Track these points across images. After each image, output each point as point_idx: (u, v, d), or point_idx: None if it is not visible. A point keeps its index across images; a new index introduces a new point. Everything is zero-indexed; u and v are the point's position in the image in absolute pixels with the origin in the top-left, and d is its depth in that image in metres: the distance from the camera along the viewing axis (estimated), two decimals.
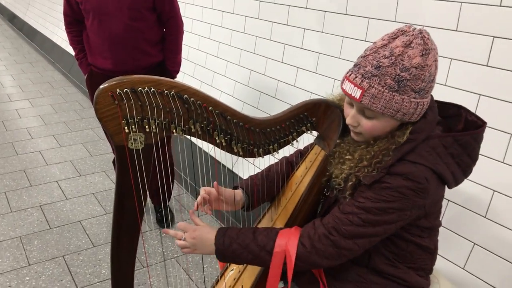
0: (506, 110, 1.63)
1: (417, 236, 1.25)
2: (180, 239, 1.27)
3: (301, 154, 1.51)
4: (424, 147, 1.12)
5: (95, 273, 2.39)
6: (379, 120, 1.11)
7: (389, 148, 1.12)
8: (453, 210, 1.81)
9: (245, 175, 2.78)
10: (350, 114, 1.15)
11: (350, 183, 1.16)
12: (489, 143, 1.69)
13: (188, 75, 3.62)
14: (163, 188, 2.66)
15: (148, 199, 2.97)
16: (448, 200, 1.82)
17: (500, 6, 1.60)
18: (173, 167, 2.75)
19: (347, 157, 1.20)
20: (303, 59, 2.53)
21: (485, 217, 1.71)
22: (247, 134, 1.26)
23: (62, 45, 6.31)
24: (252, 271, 1.40)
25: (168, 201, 2.88)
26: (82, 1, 2.31)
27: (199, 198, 1.39)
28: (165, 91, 1.14)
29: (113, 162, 2.87)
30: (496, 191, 1.68)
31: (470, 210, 1.76)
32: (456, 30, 1.76)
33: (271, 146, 1.31)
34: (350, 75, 1.11)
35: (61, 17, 6.55)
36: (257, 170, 1.63)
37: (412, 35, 1.06)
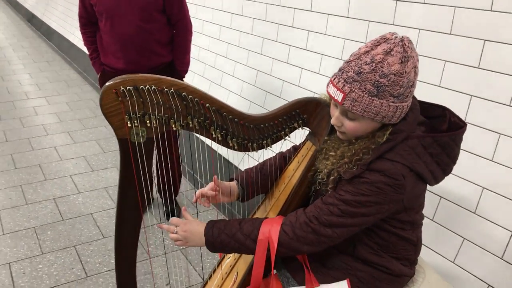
0: (496, 110, 1.69)
1: (399, 228, 1.33)
2: (173, 233, 1.36)
3: (295, 150, 1.60)
4: (403, 147, 1.20)
5: (104, 262, 2.51)
6: (361, 121, 1.19)
7: (369, 147, 1.20)
8: (444, 207, 1.88)
9: None
10: (335, 115, 1.24)
11: (332, 177, 1.25)
12: (479, 142, 1.75)
13: (198, 75, 3.72)
14: (170, 183, 2.77)
15: (157, 193, 3.08)
16: (440, 197, 1.89)
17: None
18: (180, 163, 2.86)
19: (331, 153, 1.28)
20: (307, 60, 2.61)
21: (474, 213, 1.78)
22: (242, 129, 1.35)
23: (78, 45, 6.47)
24: (246, 259, 1.49)
25: (175, 196, 2.98)
26: (96, 3, 2.43)
27: (197, 192, 1.50)
28: (165, 89, 1.24)
29: None
30: (485, 188, 1.74)
31: (460, 207, 1.82)
32: (450, 34, 1.82)
33: (265, 141, 1.40)
34: (334, 79, 1.19)
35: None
36: None
37: (394, 43, 1.13)
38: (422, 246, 1.91)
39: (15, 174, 3.46)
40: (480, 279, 1.74)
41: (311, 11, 2.55)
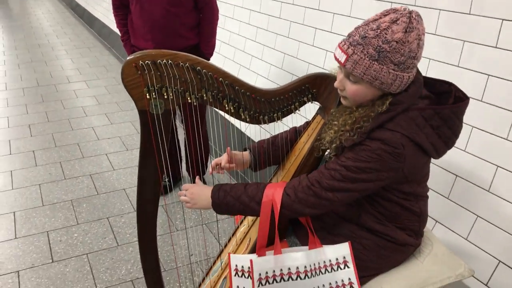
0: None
1: (402, 199, 1.37)
2: (184, 196, 1.47)
3: (308, 124, 1.67)
4: (403, 117, 1.24)
5: (134, 233, 2.66)
6: (361, 85, 1.24)
7: (369, 115, 1.25)
8: (459, 185, 1.90)
9: None
10: (338, 78, 1.29)
11: (334, 145, 1.31)
12: (494, 122, 1.77)
13: (229, 59, 3.81)
14: (197, 160, 2.88)
15: (186, 171, 3.22)
16: (456, 175, 1.91)
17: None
18: (207, 141, 2.97)
19: (334, 122, 1.34)
20: (332, 43, 2.65)
21: (488, 191, 1.80)
22: (254, 102, 1.43)
23: (117, 31, 6.68)
24: (257, 226, 1.58)
25: (204, 174, 3.09)
26: None
27: (212, 162, 1.60)
28: (181, 63, 1.32)
29: None
30: (499, 167, 1.76)
31: (475, 185, 1.84)
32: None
33: (275, 114, 1.47)
34: (341, 42, 1.25)
35: None
36: None
37: (401, 14, 1.18)
38: (436, 223, 1.96)
39: (55, 151, 3.67)
40: (492, 255, 1.77)
41: (319, 10, 2.58)
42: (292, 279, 1.38)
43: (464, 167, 1.89)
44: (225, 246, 1.74)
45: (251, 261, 1.37)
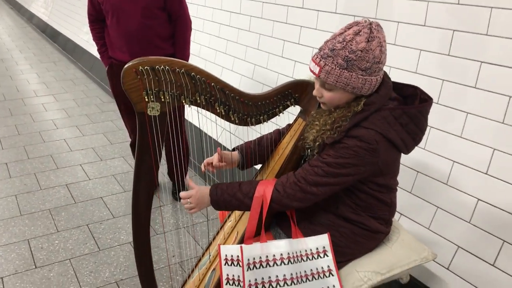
0: (463, 92, 1.93)
1: (376, 191, 1.55)
2: (187, 203, 1.61)
3: (289, 126, 1.83)
4: (376, 117, 1.42)
5: (115, 238, 2.74)
6: (336, 92, 1.42)
7: (346, 115, 1.43)
8: (421, 180, 2.11)
9: None
10: (316, 87, 1.47)
11: (317, 143, 1.48)
12: (448, 121, 1.99)
13: (210, 61, 3.90)
14: (177, 165, 2.99)
15: (167, 177, 3.32)
16: (417, 172, 2.13)
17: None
18: (188, 146, 3.10)
19: (315, 123, 1.52)
20: (300, 54, 2.85)
21: (446, 184, 2.02)
22: (242, 106, 1.58)
23: (83, 45, 6.71)
24: (244, 221, 1.72)
25: (185, 176, 3.20)
26: (102, 2, 2.69)
27: (204, 161, 1.75)
28: (177, 69, 1.46)
29: (131, 145, 3.19)
30: (455, 162, 1.98)
31: (434, 179, 2.06)
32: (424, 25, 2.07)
33: (262, 117, 1.63)
34: (314, 56, 1.43)
35: (82, 19, 6.99)
36: None
37: (363, 25, 1.36)
38: (402, 216, 2.16)
39: (28, 163, 3.69)
40: (452, 242, 1.98)
41: (303, 8, 2.79)
42: (277, 265, 1.53)
43: (424, 164, 2.10)
44: (213, 239, 1.87)
45: (241, 247, 1.52)
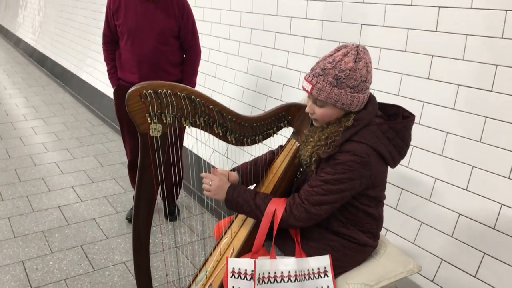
0: (443, 113, 2.07)
1: (365, 205, 1.66)
2: (208, 184, 1.70)
3: (282, 147, 1.94)
4: (365, 131, 1.54)
5: (109, 258, 2.79)
6: (327, 108, 1.54)
7: (338, 130, 1.54)
8: (405, 197, 2.23)
9: None
10: (308, 104, 1.59)
11: (313, 159, 1.59)
12: (430, 141, 2.12)
13: (200, 85, 3.96)
14: (173, 187, 3.08)
15: (159, 198, 3.39)
16: (402, 189, 2.24)
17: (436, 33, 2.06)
18: (182, 166, 3.18)
19: (310, 140, 1.63)
20: (288, 77, 2.98)
21: (429, 200, 2.13)
22: (239, 127, 1.69)
23: (72, 70, 6.79)
24: (240, 237, 1.81)
25: (177, 199, 3.29)
26: (120, 24, 2.82)
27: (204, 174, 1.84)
28: (178, 93, 1.57)
29: (128, 166, 3.23)
30: (437, 179, 2.10)
31: (418, 195, 2.18)
32: (405, 51, 2.21)
33: (257, 137, 1.74)
34: (306, 75, 1.56)
35: (70, 43, 7.09)
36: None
37: (350, 48, 1.50)
38: (388, 231, 2.26)
39: (20, 186, 3.72)
40: (435, 255, 2.09)
41: (290, 34, 2.93)
42: (284, 281, 1.63)
43: (408, 181, 2.22)
44: (210, 255, 1.94)
45: (254, 261, 1.62)
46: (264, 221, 1.62)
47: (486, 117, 1.91)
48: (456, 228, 2.03)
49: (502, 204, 1.88)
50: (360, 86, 1.51)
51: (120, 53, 2.92)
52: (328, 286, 1.64)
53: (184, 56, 2.98)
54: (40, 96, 6.51)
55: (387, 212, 2.19)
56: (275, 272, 1.61)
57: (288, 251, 1.71)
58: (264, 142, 1.79)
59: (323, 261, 1.66)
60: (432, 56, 2.09)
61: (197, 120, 1.62)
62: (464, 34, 1.95)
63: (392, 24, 2.25)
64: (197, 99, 1.59)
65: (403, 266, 1.80)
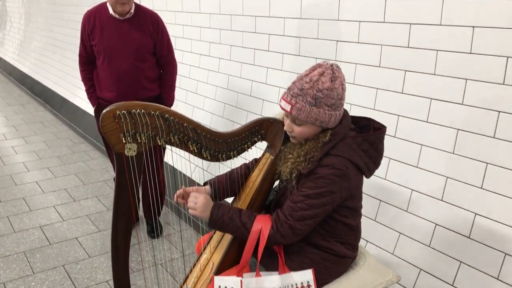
0: (417, 126, 2.11)
1: (343, 216, 1.68)
2: (193, 202, 1.67)
3: (256, 161, 1.96)
4: (342, 145, 1.57)
5: (91, 277, 2.76)
6: (305, 126, 1.57)
7: (317, 146, 1.58)
8: (383, 208, 2.26)
9: None
10: (286, 123, 1.62)
11: (294, 175, 1.61)
12: (406, 153, 2.16)
13: (181, 101, 3.98)
14: (154, 204, 3.08)
15: (141, 214, 3.38)
16: (380, 201, 2.27)
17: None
18: (165, 185, 3.18)
19: (289, 156, 1.66)
20: (267, 93, 3.01)
21: (406, 211, 2.17)
22: (213, 143, 1.70)
23: (52, 88, 6.76)
24: (220, 251, 1.82)
25: (159, 216, 3.28)
26: (96, 44, 2.83)
27: (178, 192, 1.83)
28: (152, 112, 1.58)
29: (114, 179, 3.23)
30: (413, 190, 2.14)
31: (395, 207, 2.21)
32: (379, 66, 2.26)
33: (232, 153, 1.76)
34: (284, 95, 1.58)
35: (50, 61, 7.06)
36: None
37: (325, 67, 1.54)
38: (368, 243, 2.29)
39: (1, 207, 3.68)
40: (413, 265, 2.11)
41: (269, 51, 2.97)
42: None
43: (386, 193, 2.25)
44: (190, 271, 1.94)
45: (241, 281, 1.63)
46: (251, 238, 1.62)
47: (458, 129, 1.96)
48: (433, 238, 2.06)
49: (476, 214, 1.91)
50: (336, 104, 1.54)
51: (98, 72, 2.93)
52: None
53: (161, 71, 3.00)
54: (20, 115, 6.46)
55: (366, 223, 2.22)
56: None
57: (270, 266, 1.72)
58: (240, 156, 1.81)
59: (306, 276, 1.67)
60: (405, 71, 2.14)
61: (172, 138, 1.63)
62: (435, 50, 2.00)
63: (366, 41, 2.29)
64: (171, 118, 1.60)
65: (382, 276, 1.83)
